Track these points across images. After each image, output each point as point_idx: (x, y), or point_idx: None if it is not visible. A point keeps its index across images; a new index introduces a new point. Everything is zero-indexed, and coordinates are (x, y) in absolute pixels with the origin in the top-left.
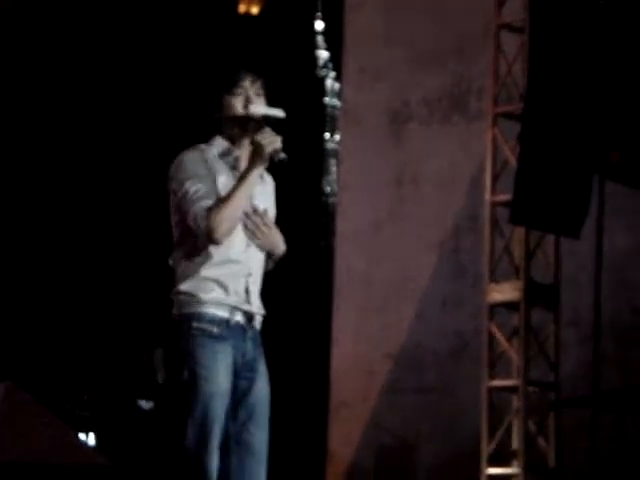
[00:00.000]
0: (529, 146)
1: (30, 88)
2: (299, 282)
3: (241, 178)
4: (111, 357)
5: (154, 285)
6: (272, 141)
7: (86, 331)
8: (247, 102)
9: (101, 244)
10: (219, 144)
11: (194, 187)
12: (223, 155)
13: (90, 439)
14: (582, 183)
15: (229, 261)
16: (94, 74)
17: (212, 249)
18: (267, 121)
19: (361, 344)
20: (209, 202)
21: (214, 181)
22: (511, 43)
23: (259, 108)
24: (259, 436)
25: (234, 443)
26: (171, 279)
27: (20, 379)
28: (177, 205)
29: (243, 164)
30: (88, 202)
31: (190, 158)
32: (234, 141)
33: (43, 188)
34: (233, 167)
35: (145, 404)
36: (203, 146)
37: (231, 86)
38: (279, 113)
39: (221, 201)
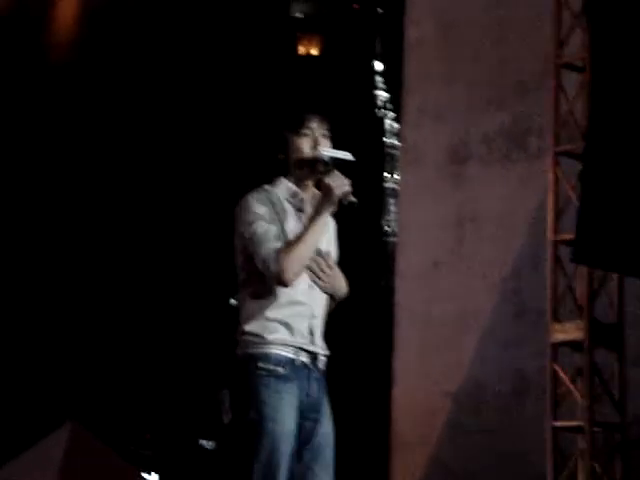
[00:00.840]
0: (591, 184)
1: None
2: (360, 321)
3: (310, 221)
4: (174, 397)
5: (217, 326)
6: (342, 184)
7: (149, 372)
8: (315, 144)
9: (165, 287)
10: (284, 186)
11: (262, 229)
12: (289, 197)
13: (153, 478)
14: None
15: (294, 302)
16: (168, 115)
17: (277, 290)
18: (335, 163)
19: (422, 383)
20: (277, 244)
21: (281, 223)
22: (572, 81)
23: (328, 150)
24: (324, 478)
25: None
26: (234, 320)
27: (84, 418)
28: (244, 247)
29: (308, 206)
30: (161, 245)
31: (256, 199)
32: (299, 183)
33: (118, 221)
34: (299, 209)
35: (207, 444)
36: (268, 187)
37: (298, 127)
38: (348, 156)
39: (291, 244)
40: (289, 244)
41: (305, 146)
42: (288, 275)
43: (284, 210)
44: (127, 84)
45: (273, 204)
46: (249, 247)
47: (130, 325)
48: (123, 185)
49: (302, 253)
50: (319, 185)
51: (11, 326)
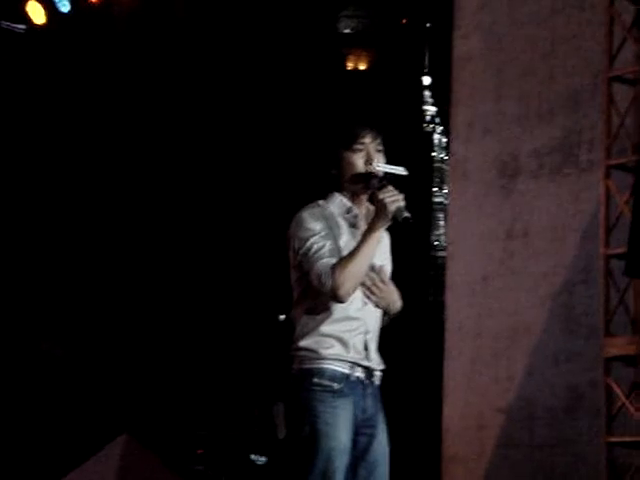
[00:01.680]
0: None
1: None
2: (410, 337)
3: (365, 236)
4: (226, 412)
5: (270, 342)
6: (396, 200)
7: (201, 386)
8: (369, 159)
9: (219, 304)
10: (338, 201)
11: (317, 245)
12: (343, 213)
13: None
14: None
15: (348, 318)
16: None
17: (332, 306)
18: (388, 178)
19: (472, 398)
20: (333, 260)
21: (335, 239)
22: (623, 94)
23: (382, 165)
24: None
25: None
26: (287, 335)
27: (138, 432)
28: (299, 263)
29: (362, 222)
30: (216, 262)
31: (311, 215)
32: (353, 198)
33: (159, 231)
34: (353, 225)
35: (259, 459)
36: (322, 202)
37: (352, 142)
38: (401, 171)
39: (345, 259)
40: (344, 260)
41: (359, 161)
42: (343, 291)
43: (338, 226)
44: (160, 98)
45: (327, 220)
46: (304, 263)
47: (185, 340)
48: (177, 200)
49: (357, 269)
50: (373, 200)
51: (68, 339)
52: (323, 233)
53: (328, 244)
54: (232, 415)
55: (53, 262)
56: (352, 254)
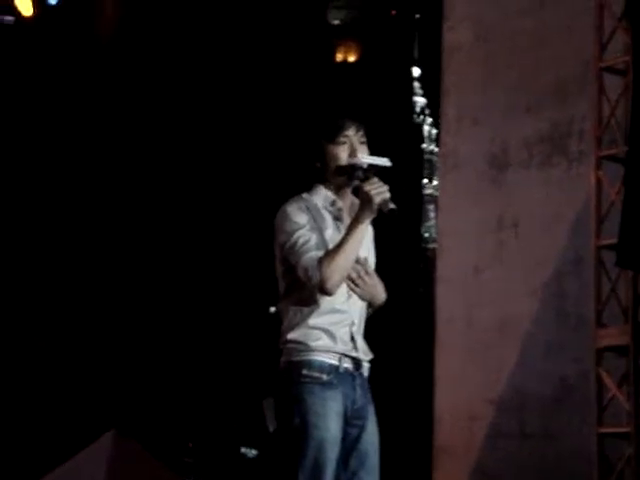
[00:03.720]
0: (634, 188)
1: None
2: (400, 329)
3: (350, 229)
4: (216, 406)
5: (259, 335)
6: (381, 192)
7: (192, 381)
8: (353, 151)
9: (207, 296)
10: (322, 194)
11: (303, 238)
12: (328, 205)
13: None
14: None
15: (334, 310)
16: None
17: (318, 299)
18: (373, 170)
19: (463, 389)
20: (319, 253)
21: (321, 232)
22: (613, 85)
23: (366, 157)
24: None
25: None
26: (276, 328)
27: (127, 426)
28: (285, 256)
29: (346, 214)
30: (201, 255)
31: (296, 208)
32: (337, 191)
33: (148, 231)
34: (337, 218)
35: (249, 452)
36: (306, 196)
37: (335, 135)
38: (385, 162)
39: (332, 252)
40: (330, 253)
41: (342, 154)
42: (331, 284)
43: (323, 218)
44: (150, 91)
45: (312, 212)
46: (290, 257)
47: (173, 334)
48: (163, 193)
49: (343, 262)
50: (357, 192)
51: (56, 336)
52: (309, 226)
53: (314, 237)
54: (222, 409)
55: (40, 256)
56: (338, 247)
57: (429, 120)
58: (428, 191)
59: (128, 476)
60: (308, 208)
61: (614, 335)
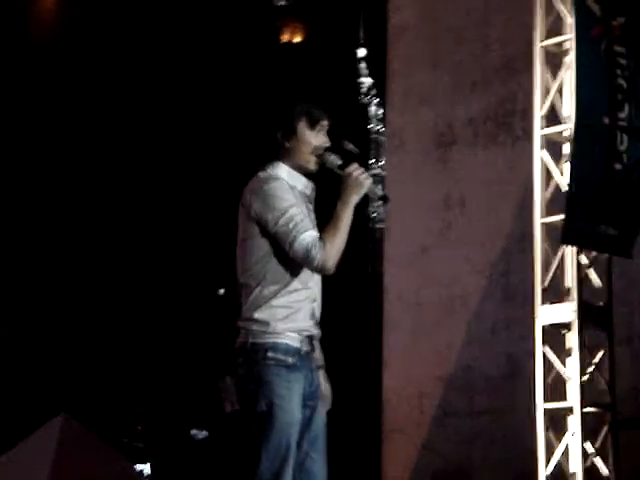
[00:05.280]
0: (578, 166)
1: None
2: (349, 308)
3: (341, 211)
4: (164, 388)
5: (207, 315)
6: (368, 176)
7: (139, 362)
8: (326, 138)
9: (156, 276)
10: (285, 171)
11: (298, 216)
12: (302, 187)
13: (146, 469)
14: (633, 202)
15: (301, 288)
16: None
17: (285, 277)
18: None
19: (412, 368)
20: (315, 232)
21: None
22: (557, 63)
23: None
24: (320, 463)
25: (298, 471)
26: (225, 309)
27: (75, 411)
28: (275, 233)
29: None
30: (153, 235)
31: (280, 186)
32: (298, 171)
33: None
34: (308, 199)
35: (199, 433)
36: (272, 173)
37: (316, 122)
38: (355, 149)
39: (331, 233)
40: (329, 233)
41: (316, 140)
42: (332, 263)
43: (298, 198)
44: (117, 73)
45: (293, 192)
46: (285, 235)
47: (122, 316)
48: (115, 173)
49: (341, 242)
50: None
51: (7, 319)
52: (296, 204)
53: (305, 216)
54: (171, 390)
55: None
56: (335, 228)
57: (375, 100)
58: (375, 171)
59: (77, 460)
60: (289, 186)
61: (558, 312)
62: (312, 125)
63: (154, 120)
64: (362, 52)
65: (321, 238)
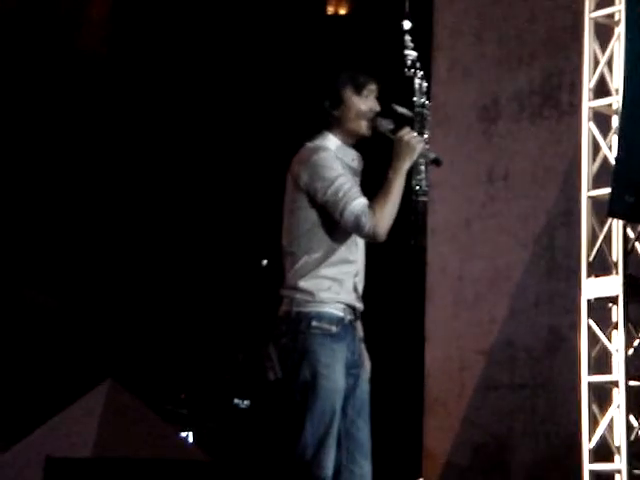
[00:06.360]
0: (627, 139)
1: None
2: (392, 281)
3: (393, 177)
4: (208, 356)
5: (248, 286)
6: (420, 140)
7: (184, 331)
8: (375, 103)
9: (199, 246)
10: (333, 142)
11: (346, 185)
12: (349, 160)
13: (189, 436)
14: None
15: (345, 261)
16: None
17: (331, 248)
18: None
19: (454, 341)
20: (364, 200)
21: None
22: (605, 36)
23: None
24: (366, 431)
25: (344, 439)
26: (268, 280)
27: (121, 378)
28: (325, 202)
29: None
30: (194, 208)
31: (328, 156)
32: (346, 141)
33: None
34: (354, 171)
35: (242, 403)
36: (321, 144)
37: (362, 87)
38: (407, 112)
39: (381, 200)
40: (380, 200)
41: (364, 105)
42: (383, 231)
43: (346, 169)
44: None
45: (340, 161)
46: (336, 203)
47: (166, 286)
48: (153, 152)
49: (392, 209)
50: (384, 138)
51: (53, 289)
52: (345, 173)
53: (354, 184)
54: (215, 360)
55: (41, 212)
56: (386, 194)
57: (420, 73)
58: None
59: (122, 425)
60: (337, 157)
61: (604, 286)
62: (358, 90)
63: (205, 88)
64: (407, 24)
65: (371, 205)
